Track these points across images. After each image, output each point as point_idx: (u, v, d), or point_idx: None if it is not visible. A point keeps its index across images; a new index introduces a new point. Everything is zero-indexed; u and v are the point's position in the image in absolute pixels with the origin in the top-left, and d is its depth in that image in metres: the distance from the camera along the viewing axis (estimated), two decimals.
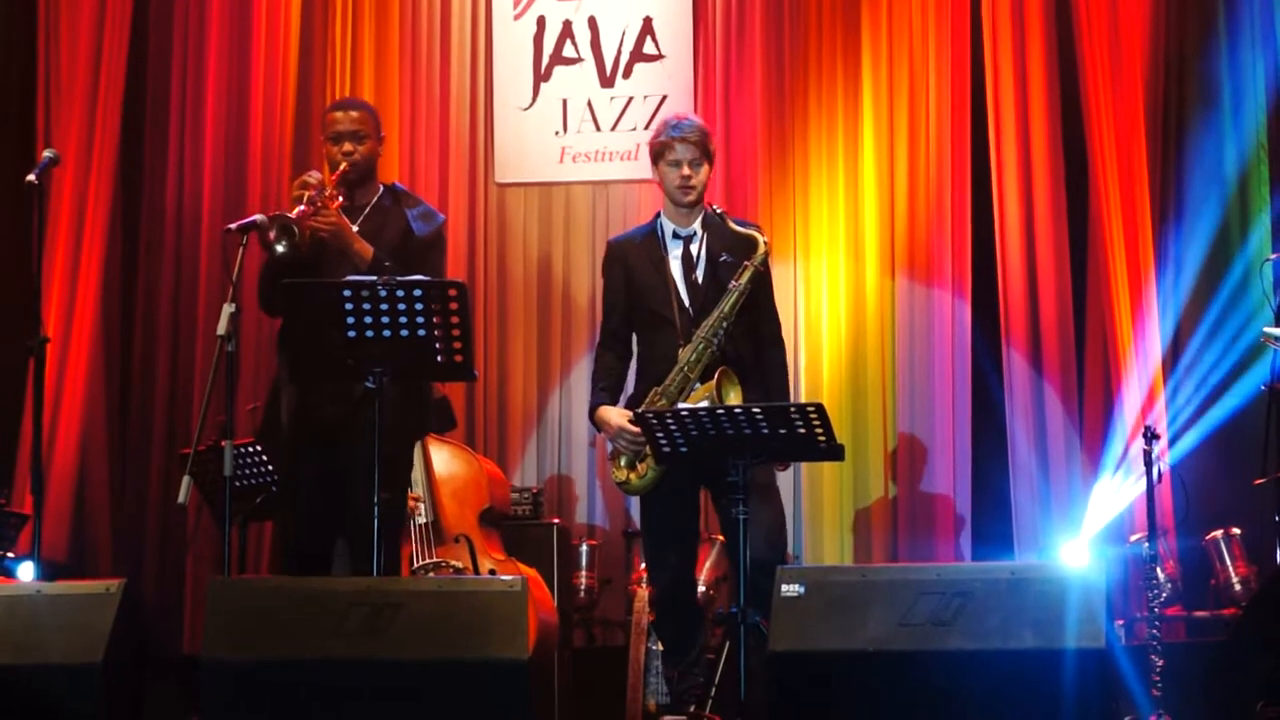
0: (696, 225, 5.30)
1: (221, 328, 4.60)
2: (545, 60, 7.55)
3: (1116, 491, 6.62)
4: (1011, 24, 7.07)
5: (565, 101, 7.53)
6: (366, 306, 4.57)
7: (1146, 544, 5.81)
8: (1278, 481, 5.84)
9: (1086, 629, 4.05)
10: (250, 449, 5.71)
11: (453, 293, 4.61)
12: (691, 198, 5.26)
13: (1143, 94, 6.91)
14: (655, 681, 5.84)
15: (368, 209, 5.22)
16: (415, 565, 5.88)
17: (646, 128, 7.38)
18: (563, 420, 7.40)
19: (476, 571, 5.87)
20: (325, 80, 7.48)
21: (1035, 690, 4.05)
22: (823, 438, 4.69)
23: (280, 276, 4.90)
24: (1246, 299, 6.74)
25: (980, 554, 6.87)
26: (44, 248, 6.13)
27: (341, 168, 5.13)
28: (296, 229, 4.88)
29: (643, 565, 6.41)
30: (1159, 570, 5.81)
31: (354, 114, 5.25)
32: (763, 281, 5.26)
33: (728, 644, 5.03)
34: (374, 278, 4.65)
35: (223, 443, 4.66)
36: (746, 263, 5.16)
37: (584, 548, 6.82)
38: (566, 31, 7.56)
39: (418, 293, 4.57)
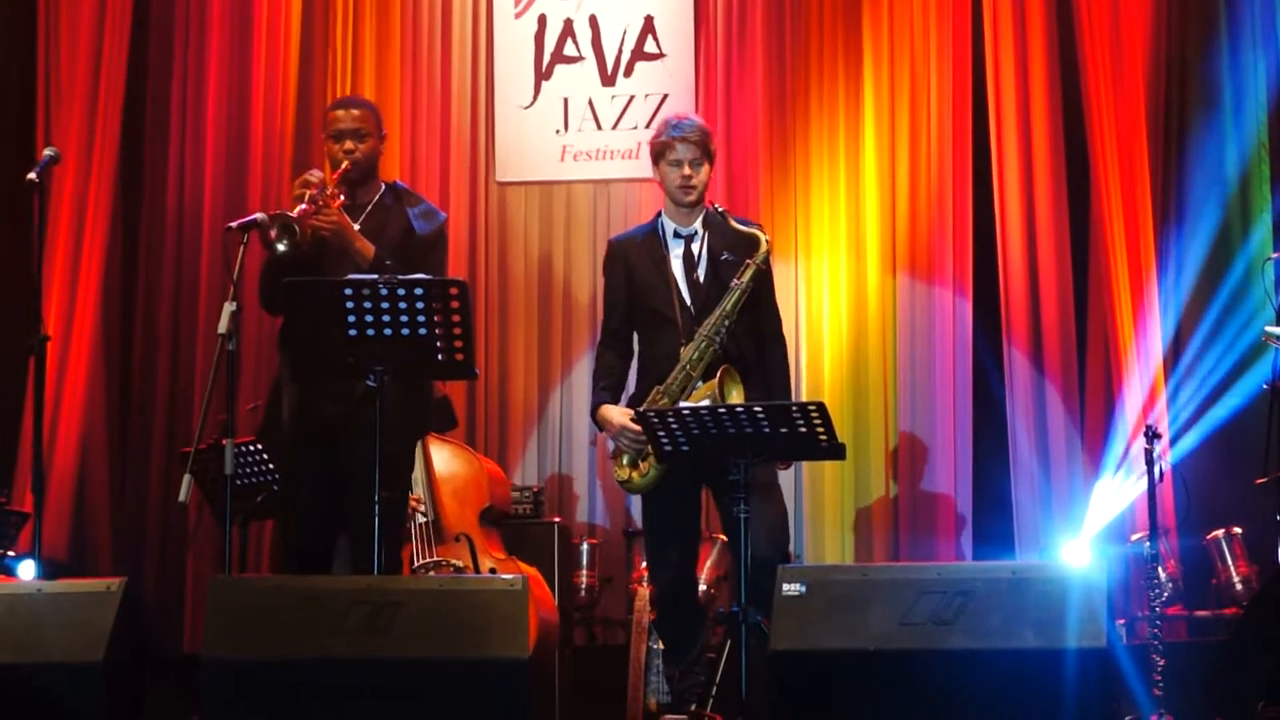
0: (697, 224, 5.30)
1: (222, 326, 4.60)
2: (546, 59, 7.55)
3: (1118, 491, 6.62)
4: (1013, 22, 7.07)
5: (566, 100, 7.53)
6: (368, 305, 4.57)
7: (1148, 543, 5.80)
8: (1279, 481, 5.84)
9: (1088, 628, 4.05)
10: (251, 448, 5.71)
11: (454, 291, 4.61)
12: (692, 197, 5.26)
13: (1144, 92, 6.91)
14: (656, 680, 5.84)
15: (369, 207, 5.22)
16: (416, 564, 5.88)
17: (647, 126, 7.38)
18: (563, 419, 7.40)
19: (477, 570, 5.87)
20: (326, 79, 7.48)
21: (1036, 690, 4.05)
22: (824, 437, 4.69)
23: (281, 275, 4.90)
24: (1248, 298, 6.74)
25: (981, 553, 6.87)
26: (44, 246, 6.11)
27: (343, 166, 5.13)
28: (297, 228, 4.88)
29: (644, 564, 6.40)
30: (1160, 569, 5.81)
31: (355, 112, 5.25)
32: (764, 280, 5.26)
33: (729, 643, 5.03)
34: (375, 276, 4.65)
35: (224, 441, 4.66)
36: (749, 261, 5.17)
37: (585, 546, 6.82)
38: (567, 30, 7.56)
39: (419, 291, 4.57)
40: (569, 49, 7.55)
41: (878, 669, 4.13)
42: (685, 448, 4.78)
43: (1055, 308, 6.94)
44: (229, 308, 4.60)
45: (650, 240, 5.33)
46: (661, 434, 4.76)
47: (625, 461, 5.18)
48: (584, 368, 7.35)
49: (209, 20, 7.39)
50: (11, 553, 6.26)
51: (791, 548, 5.77)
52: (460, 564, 5.91)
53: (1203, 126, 7.00)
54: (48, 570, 5.69)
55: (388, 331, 4.59)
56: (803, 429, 4.67)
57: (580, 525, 7.21)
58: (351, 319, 4.58)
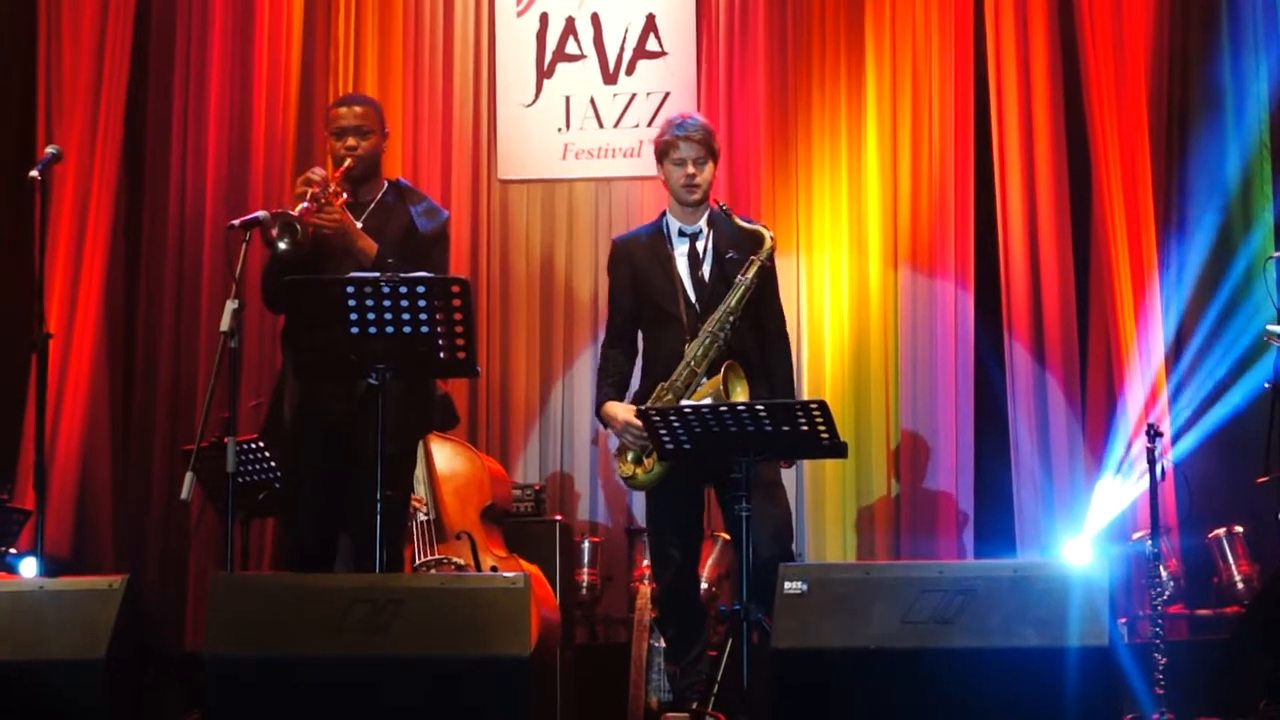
0: (702, 223, 5.32)
1: (224, 324, 4.60)
2: (548, 57, 7.55)
3: (1119, 489, 6.62)
4: (1014, 16, 7.07)
5: (568, 98, 7.53)
6: (369, 303, 4.57)
7: (1149, 542, 5.81)
8: None
9: (1089, 627, 4.05)
10: (253, 445, 5.71)
11: (455, 289, 4.61)
12: (696, 196, 5.28)
13: (1145, 89, 6.91)
14: (657, 678, 5.84)
15: (372, 205, 5.22)
16: (417, 562, 5.88)
17: (649, 125, 7.39)
18: (565, 417, 7.40)
19: (478, 568, 5.87)
20: (328, 76, 7.48)
21: (1038, 688, 4.05)
22: (825, 435, 4.70)
23: (283, 273, 4.90)
24: (1249, 297, 6.74)
25: (983, 551, 6.87)
26: (47, 244, 6.12)
27: (345, 164, 5.13)
28: (299, 226, 4.88)
29: (645, 562, 6.40)
30: (1161, 568, 5.82)
31: (358, 109, 5.25)
32: (768, 277, 5.27)
33: (730, 641, 5.03)
34: (377, 274, 4.65)
35: (225, 439, 4.66)
36: (753, 258, 5.19)
37: (586, 545, 6.82)
38: (569, 28, 7.56)
39: (421, 289, 4.58)
40: (571, 47, 7.55)
41: (879, 667, 4.13)
42: (687, 446, 4.78)
43: (1057, 305, 6.94)
44: (231, 305, 4.60)
45: (655, 239, 5.34)
46: (663, 432, 4.77)
47: (630, 458, 5.20)
48: (585, 366, 7.35)
49: (211, 18, 7.40)
50: (13, 550, 6.26)
51: (794, 547, 5.78)
52: (461, 562, 5.91)
53: (1204, 125, 7.00)
54: (49, 568, 5.69)
55: (389, 329, 4.60)
56: (804, 427, 4.68)
57: (581, 523, 7.21)
58: (353, 317, 4.59)
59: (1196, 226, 6.94)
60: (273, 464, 5.70)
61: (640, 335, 5.41)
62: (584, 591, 6.75)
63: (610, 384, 5.34)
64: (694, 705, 5.14)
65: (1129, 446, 6.62)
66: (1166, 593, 5.92)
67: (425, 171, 7.42)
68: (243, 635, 4.21)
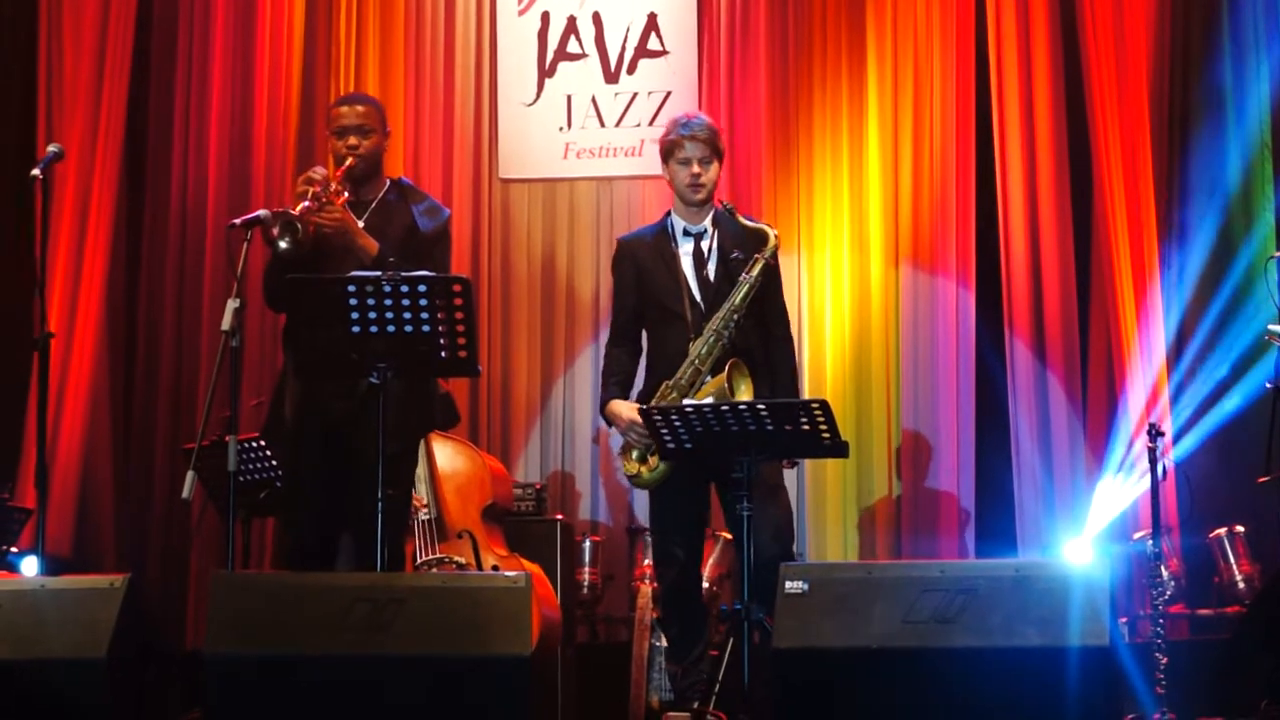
0: (707, 222, 5.33)
1: (226, 323, 4.60)
2: (549, 56, 7.55)
3: (1120, 489, 6.62)
4: (1016, 14, 7.06)
5: (569, 97, 7.52)
6: (371, 302, 4.57)
7: (1150, 541, 5.80)
8: None
9: (1090, 626, 4.05)
10: (254, 444, 5.71)
11: (457, 288, 4.61)
12: (701, 195, 5.29)
13: (1147, 88, 6.91)
14: (658, 678, 5.84)
15: (373, 204, 5.22)
16: (418, 561, 5.88)
17: (651, 124, 7.39)
18: (566, 416, 7.40)
19: (479, 567, 5.87)
20: (329, 75, 7.48)
21: (1039, 688, 4.05)
22: (827, 434, 4.70)
23: (285, 272, 4.91)
24: (1250, 297, 6.73)
25: (984, 551, 6.87)
26: (48, 243, 6.12)
27: (347, 163, 5.13)
28: (300, 224, 4.88)
29: (646, 561, 6.40)
30: (1163, 568, 5.81)
31: (359, 109, 5.25)
32: (772, 276, 5.29)
33: (731, 640, 5.03)
34: (378, 273, 4.65)
35: (227, 438, 4.66)
36: (757, 256, 5.20)
37: (587, 544, 6.81)
38: (571, 27, 7.56)
39: (422, 288, 4.58)
40: (572, 46, 7.55)
41: (880, 667, 4.13)
42: (688, 445, 4.78)
43: (1058, 303, 6.95)
44: (232, 304, 4.60)
45: (660, 238, 5.35)
46: (664, 431, 4.77)
47: (634, 456, 5.21)
48: (586, 365, 7.36)
49: (213, 17, 7.40)
50: (15, 549, 6.27)
51: (795, 547, 5.78)
52: (463, 561, 5.91)
53: (1205, 124, 7.00)
54: (51, 566, 5.70)
55: (391, 328, 4.60)
56: (805, 427, 4.68)
57: (583, 522, 7.21)
58: (355, 316, 4.59)
59: (1197, 226, 6.94)
60: (274, 463, 5.70)
61: (644, 334, 5.42)
62: (585, 591, 6.75)
63: (615, 383, 5.35)
64: (695, 705, 5.14)
65: (1130, 446, 6.62)
66: (1167, 592, 5.92)
67: (426, 170, 7.42)
68: (244, 634, 4.21)
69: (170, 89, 7.43)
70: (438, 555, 5.90)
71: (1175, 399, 6.76)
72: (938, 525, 6.97)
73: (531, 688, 4.18)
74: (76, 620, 4.29)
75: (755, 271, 5.19)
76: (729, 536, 6.30)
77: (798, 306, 7.12)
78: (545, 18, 7.55)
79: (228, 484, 4.66)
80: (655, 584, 6.05)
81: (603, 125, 7.50)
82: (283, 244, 4.85)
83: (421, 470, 5.89)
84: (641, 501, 7.15)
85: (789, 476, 5.55)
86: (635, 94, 7.50)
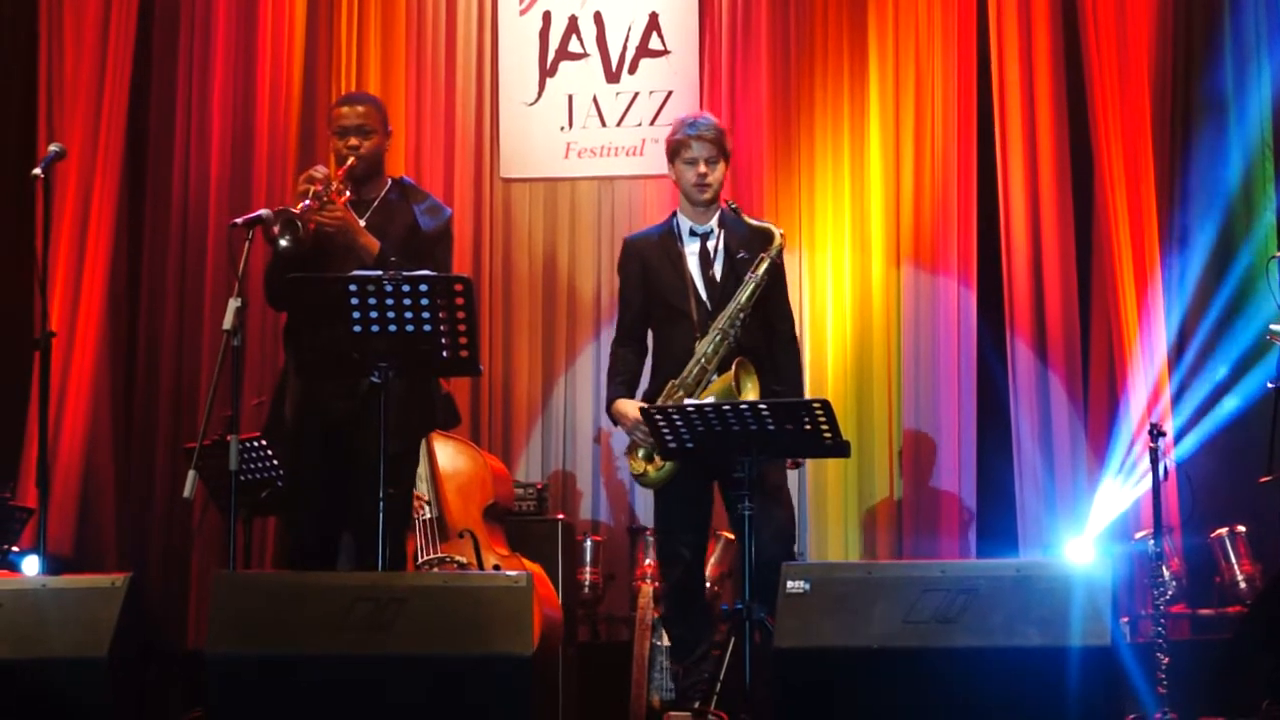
0: (713, 222, 5.35)
1: (227, 322, 4.60)
2: (551, 55, 7.55)
3: (1121, 489, 6.62)
4: (1017, 14, 7.06)
5: (571, 97, 7.52)
6: (372, 301, 4.57)
7: (1152, 541, 5.80)
8: None
9: (1091, 626, 4.05)
10: (256, 443, 5.71)
11: (458, 288, 4.61)
12: (708, 195, 5.31)
13: (1148, 88, 6.90)
14: (659, 677, 5.84)
15: (375, 203, 5.23)
16: (420, 560, 5.88)
17: (652, 123, 7.39)
18: (567, 416, 7.40)
19: (481, 567, 5.87)
20: (331, 75, 7.48)
21: (1040, 688, 4.05)
22: (828, 434, 4.70)
23: (286, 271, 4.91)
24: (1252, 297, 6.73)
25: (985, 551, 6.86)
26: (49, 242, 6.12)
27: (348, 162, 5.14)
28: (300, 223, 4.88)
29: (647, 561, 6.41)
30: (1164, 568, 5.81)
31: (360, 109, 5.25)
32: (778, 275, 5.30)
33: (733, 640, 5.04)
34: (380, 272, 4.65)
35: (228, 437, 4.66)
36: (763, 255, 5.20)
37: (588, 543, 6.81)
38: (572, 27, 7.56)
39: (424, 288, 4.58)
40: (573, 46, 7.55)
41: (881, 667, 4.13)
42: (689, 445, 4.79)
43: (1059, 303, 6.94)
44: (234, 304, 4.60)
45: (666, 238, 5.37)
46: (665, 431, 4.77)
47: (640, 455, 5.21)
48: (588, 365, 7.36)
49: (214, 16, 7.39)
50: (16, 548, 6.27)
51: (796, 547, 5.78)
52: (464, 560, 5.91)
53: (1207, 125, 6.99)
54: (52, 566, 5.70)
55: (392, 328, 4.60)
56: (807, 426, 4.68)
57: (584, 522, 7.21)
58: (356, 315, 4.59)
59: (1198, 225, 6.94)
60: (275, 462, 5.69)
61: (650, 334, 5.42)
62: (586, 590, 6.75)
63: (621, 382, 5.36)
64: (696, 704, 5.14)
65: (1131, 446, 6.62)
66: (1169, 592, 5.92)
67: (428, 170, 7.42)
68: (245, 634, 4.21)
69: (172, 88, 7.43)
70: (439, 555, 5.90)
71: (1177, 399, 6.75)
72: (939, 525, 6.96)
73: (533, 687, 4.18)
74: (78, 620, 4.29)
75: (761, 270, 5.21)
76: (730, 536, 6.31)
77: (799, 306, 7.11)
78: (546, 17, 7.55)
79: (229, 483, 4.66)
80: (657, 583, 6.06)
81: (604, 125, 7.50)
82: (283, 242, 4.85)
83: (423, 470, 5.89)
84: (642, 501, 7.15)
85: (790, 477, 5.55)
86: (636, 93, 7.50)
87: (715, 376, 5.17)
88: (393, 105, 7.10)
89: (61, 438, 6.93)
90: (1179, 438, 6.68)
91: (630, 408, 5.23)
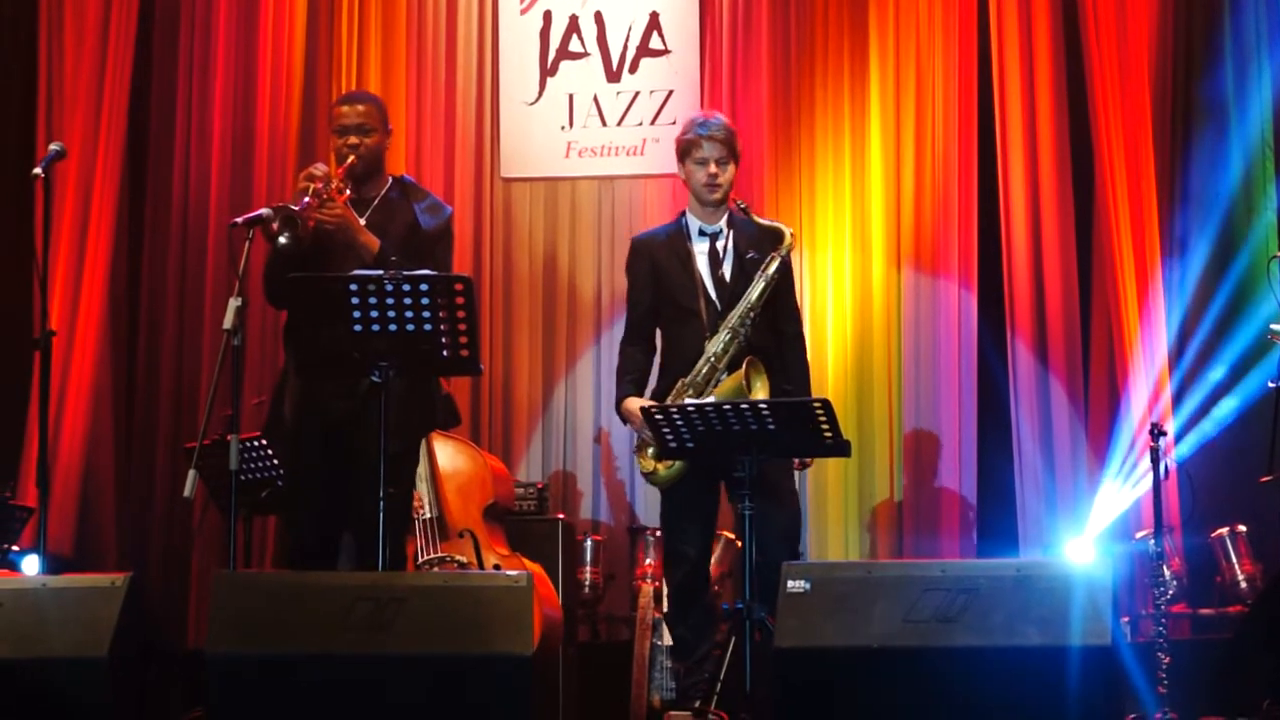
0: (722, 223, 5.36)
1: (227, 322, 4.60)
2: (551, 55, 7.55)
3: (1122, 488, 6.62)
4: (1018, 15, 7.06)
5: (571, 96, 7.52)
6: (373, 300, 4.57)
7: (1152, 541, 5.80)
8: None
9: (1092, 626, 4.04)
10: (256, 443, 5.71)
11: (459, 287, 4.61)
12: (717, 196, 5.32)
13: (1149, 88, 6.90)
14: (660, 677, 5.84)
15: (375, 202, 5.22)
16: (420, 560, 5.88)
17: (653, 123, 7.39)
18: (567, 415, 7.39)
19: (481, 567, 5.87)
20: (331, 74, 7.48)
21: (1040, 687, 4.05)
22: (829, 434, 4.70)
23: (285, 268, 4.91)
24: (1252, 296, 6.73)
25: (986, 551, 6.86)
26: (50, 242, 6.12)
27: (348, 161, 5.13)
28: (299, 221, 4.88)
29: (647, 560, 6.41)
30: (1165, 567, 5.81)
31: (360, 107, 5.25)
32: (786, 276, 5.30)
33: (733, 639, 5.04)
34: (380, 272, 4.65)
35: (228, 437, 4.66)
36: (773, 254, 5.23)
37: (588, 543, 6.81)
38: (573, 26, 7.55)
39: (424, 287, 4.58)
40: (574, 45, 7.55)
41: (881, 666, 4.13)
42: (690, 444, 4.78)
43: (1060, 303, 6.94)
44: (234, 303, 4.60)
45: (675, 238, 5.38)
46: (666, 430, 4.77)
47: (650, 454, 5.21)
48: (588, 364, 7.36)
49: (214, 16, 7.39)
50: (16, 547, 6.27)
51: (801, 548, 5.79)
52: (464, 560, 5.91)
53: (1207, 125, 6.99)
54: (52, 565, 5.70)
55: (393, 327, 4.59)
56: (807, 426, 4.67)
57: (584, 522, 7.21)
58: (357, 314, 4.59)
59: (1199, 225, 6.94)
60: (275, 462, 5.69)
61: (659, 333, 5.42)
62: (586, 590, 6.75)
63: (630, 380, 5.36)
64: (697, 703, 5.14)
65: (1132, 445, 6.62)
66: (1169, 592, 5.92)
67: (428, 169, 7.42)
68: (245, 633, 4.21)
69: (172, 87, 7.43)
70: (439, 554, 5.90)
71: (1177, 398, 6.75)
72: (939, 525, 6.96)
73: (533, 687, 4.18)
74: (78, 619, 4.28)
75: (772, 269, 5.23)
76: (731, 535, 6.31)
77: (800, 307, 7.11)
78: (547, 16, 7.55)
79: (229, 483, 4.66)
80: (657, 583, 6.06)
81: (604, 124, 7.50)
82: (282, 239, 4.85)
83: (423, 469, 5.89)
84: (642, 501, 7.16)
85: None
86: (637, 93, 7.49)
87: (725, 375, 5.18)
88: (393, 105, 7.09)
89: (61, 438, 6.93)
90: (1180, 437, 6.68)
91: (639, 406, 5.23)
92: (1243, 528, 6.35)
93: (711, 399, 5.09)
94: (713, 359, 5.19)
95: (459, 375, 5.87)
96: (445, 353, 4.66)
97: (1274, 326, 5.77)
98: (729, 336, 5.19)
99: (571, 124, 7.51)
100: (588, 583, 6.75)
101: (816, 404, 4.68)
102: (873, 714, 4.17)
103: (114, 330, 7.27)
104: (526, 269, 7.50)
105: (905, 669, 4.12)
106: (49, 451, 5.66)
